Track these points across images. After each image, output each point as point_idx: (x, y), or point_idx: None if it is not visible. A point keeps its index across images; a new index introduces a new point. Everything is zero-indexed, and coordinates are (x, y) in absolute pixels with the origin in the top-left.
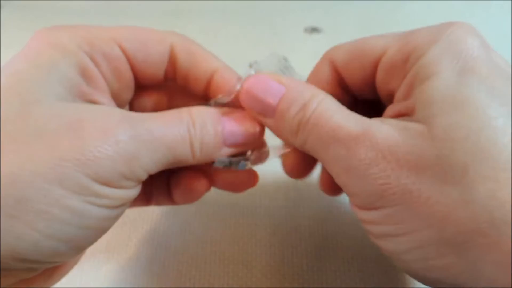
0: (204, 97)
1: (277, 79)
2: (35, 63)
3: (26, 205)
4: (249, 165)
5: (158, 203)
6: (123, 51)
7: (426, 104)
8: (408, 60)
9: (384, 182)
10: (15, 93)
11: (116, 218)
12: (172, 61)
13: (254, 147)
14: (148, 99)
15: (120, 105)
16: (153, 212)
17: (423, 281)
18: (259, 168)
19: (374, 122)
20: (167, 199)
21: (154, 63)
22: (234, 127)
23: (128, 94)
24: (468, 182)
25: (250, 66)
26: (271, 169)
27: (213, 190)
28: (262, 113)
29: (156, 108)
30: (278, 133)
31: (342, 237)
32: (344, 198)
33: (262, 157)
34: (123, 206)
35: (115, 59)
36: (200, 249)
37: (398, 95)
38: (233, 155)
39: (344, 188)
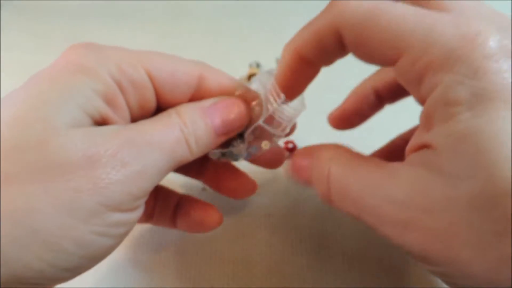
0: None
1: (306, 154)
2: (59, 86)
3: (38, 236)
4: (243, 154)
5: (157, 223)
6: (151, 79)
7: (450, 157)
8: (423, 82)
9: (422, 249)
10: (39, 118)
11: (118, 245)
12: (199, 90)
13: (244, 126)
14: None
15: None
16: None
17: None
18: (259, 168)
19: (392, 183)
20: (168, 222)
21: (180, 94)
22: (221, 116)
23: (146, 118)
24: (505, 245)
25: (252, 65)
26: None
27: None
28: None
29: None
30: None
31: (342, 237)
32: None
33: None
34: (128, 232)
35: (142, 88)
36: (200, 249)
37: (420, 123)
38: (225, 145)
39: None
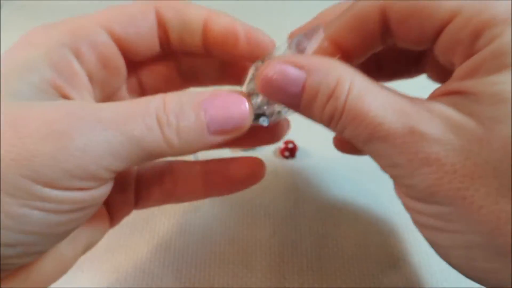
0: (207, 54)
1: (294, 63)
2: (4, 61)
3: None
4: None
5: (186, 199)
6: (112, 34)
7: (492, 103)
8: (480, 37)
9: (435, 184)
10: None
11: (76, 221)
12: (161, 25)
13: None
14: (151, 74)
15: (110, 93)
16: (153, 213)
17: (463, 273)
18: None
19: (422, 115)
20: (198, 193)
21: (145, 34)
22: (218, 112)
23: (118, 80)
24: None
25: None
26: (271, 169)
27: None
28: (287, 103)
29: (167, 82)
30: (308, 118)
31: (342, 237)
32: (344, 197)
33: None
34: (84, 209)
35: (101, 46)
36: (200, 249)
37: (459, 72)
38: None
39: (392, 178)
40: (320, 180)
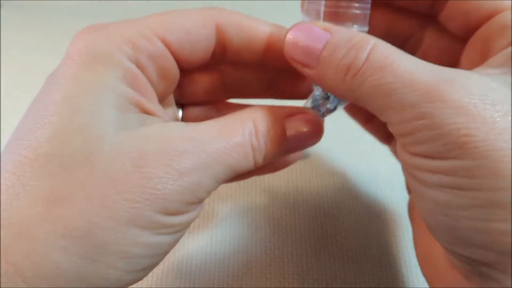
0: (260, 66)
1: (322, 26)
2: (84, 86)
3: (106, 248)
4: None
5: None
6: (167, 45)
7: None
8: None
9: (469, 134)
10: (77, 129)
11: (182, 235)
12: (220, 40)
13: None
14: (194, 83)
15: (163, 98)
16: None
17: (463, 244)
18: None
19: (458, 71)
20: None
21: (201, 49)
22: (296, 131)
23: (172, 87)
24: None
25: None
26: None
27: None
28: (306, 63)
29: (208, 91)
30: (322, 82)
31: (342, 237)
32: (344, 197)
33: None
34: (188, 226)
35: (160, 58)
36: (200, 249)
37: (494, 60)
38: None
39: (406, 136)
40: (320, 180)
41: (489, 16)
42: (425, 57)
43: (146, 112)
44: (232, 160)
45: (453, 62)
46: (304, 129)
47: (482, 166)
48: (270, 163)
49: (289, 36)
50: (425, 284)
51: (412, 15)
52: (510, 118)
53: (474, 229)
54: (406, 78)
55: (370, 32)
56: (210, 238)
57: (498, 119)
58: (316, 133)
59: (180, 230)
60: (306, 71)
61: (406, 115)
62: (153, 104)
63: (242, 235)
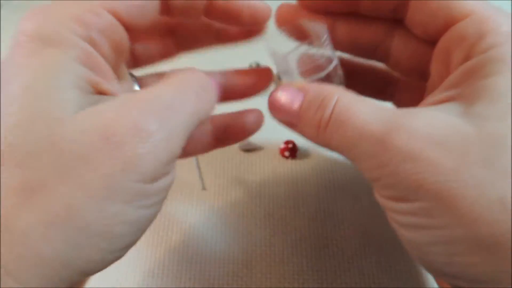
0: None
1: (297, 85)
2: (39, 72)
3: (88, 230)
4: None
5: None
6: (116, 16)
7: (484, 103)
8: (480, 42)
9: (419, 178)
10: (38, 115)
11: (161, 206)
12: (164, 2)
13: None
14: (150, 45)
15: (115, 70)
16: None
17: (438, 274)
18: (259, 166)
19: (408, 116)
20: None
21: (148, 12)
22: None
23: (124, 58)
24: (510, 187)
25: (252, 65)
26: (271, 169)
27: (212, 190)
28: (290, 123)
29: (162, 49)
30: (304, 136)
31: (342, 237)
32: (344, 197)
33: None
34: (167, 192)
35: (112, 31)
36: (200, 249)
37: (450, 79)
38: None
39: (374, 182)
40: (320, 180)
41: (448, 25)
42: (397, 64)
43: (103, 92)
44: (192, 108)
45: (424, 67)
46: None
47: (438, 206)
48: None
49: (271, 101)
50: (425, 284)
51: (378, 22)
52: (455, 155)
53: (443, 263)
54: (363, 130)
55: (337, 46)
56: (210, 238)
57: (444, 159)
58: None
59: (158, 202)
60: (292, 128)
61: (369, 165)
62: (109, 83)
63: (242, 235)
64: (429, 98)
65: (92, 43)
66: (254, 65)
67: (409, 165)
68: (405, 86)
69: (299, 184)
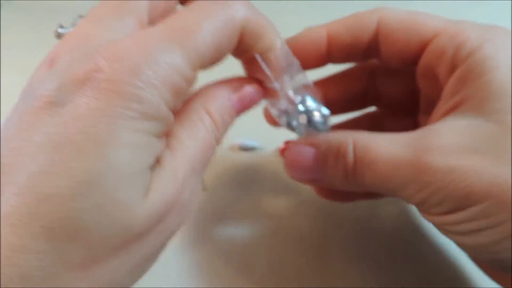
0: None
1: (306, 143)
2: (132, 150)
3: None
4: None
5: None
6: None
7: (492, 99)
8: (460, 51)
9: (466, 186)
10: (116, 201)
11: None
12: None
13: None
14: None
15: None
16: None
17: (504, 269)
18: (259, 166)
19: (429, 134)
20: None
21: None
22: (243, 103)
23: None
24: None
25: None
26: (271, 169)
27: (213, 190)
28: (312, 179)
29: None
30: (334, 187)
31: (342, 237)
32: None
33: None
34: None
35: (185, 91)
36: (200, 249)
37: (449, 88)
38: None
39: (420, 205)
40: None
41: (422, 47)
42: (390, 102)
43: (158, 159)
44: (200, 156)
45: (414, 95)
46: (250, 100)
47: (491, 206)
48: None
49: (287, 166)
50: (425, 284)
51: (355, 72)
52: (489, 154)
53: None
54: (394, 162)
55: (330, 105)
56: (210, 238)
57: (482, 162)
58: (257, 98)
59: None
60: (318, 184)
61: (410, 192)
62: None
63: (242, 235)
64: (437, 112)
65: (174, 110)
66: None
67: (451, 179)
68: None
69: (300, 184)
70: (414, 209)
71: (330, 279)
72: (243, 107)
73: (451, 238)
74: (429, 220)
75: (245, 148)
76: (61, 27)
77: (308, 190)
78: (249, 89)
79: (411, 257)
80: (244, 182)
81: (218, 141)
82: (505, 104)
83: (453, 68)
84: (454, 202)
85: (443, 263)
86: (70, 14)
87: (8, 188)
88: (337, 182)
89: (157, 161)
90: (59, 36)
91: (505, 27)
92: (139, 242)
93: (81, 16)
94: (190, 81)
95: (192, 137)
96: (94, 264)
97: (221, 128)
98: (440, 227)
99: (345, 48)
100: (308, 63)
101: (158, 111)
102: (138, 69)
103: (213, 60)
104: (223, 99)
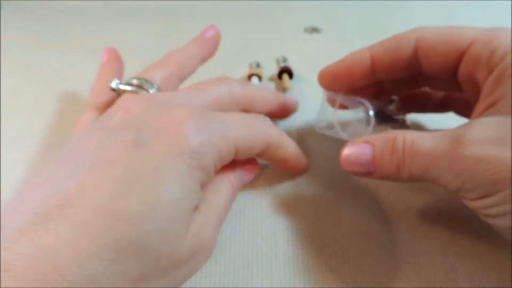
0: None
1: (363, 141)
2: (187, 192)
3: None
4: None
5: None
6: (235, 151)
7: None
8: (494, 55)
9: (495, 171)
10: (171, 231)
11: None
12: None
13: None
14: None
15: None
16: None
17: None
18: (259, 166)
19: (463, 129)
20: None
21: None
22: (247, 174)
23: None
24: None
25: (252, 65)
26: (271, 169)
27: None
28: (367, 172)
29: None
30: (386, 179)
31: (342, 236)
32: (344, 197)
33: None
34: None
35: (226, 161)
36: None
37: (486, 90)
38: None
39: (458, 192)
40: (320, 180)
41: (460, 57)
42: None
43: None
44: (221, 210)
45: (465, 102)
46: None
47: None
48: None
49: (344, 159)
50: (426, 284)
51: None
52: (503, 147)
53: None
54: (434, 153)
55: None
56: None
57: (505, 152)
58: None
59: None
60: (369, 176)
61: (448, 179)
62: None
63: (242, 235)
64: (476, 111)
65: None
66: (254, 65)
67: (481, 167)
68: (456, 98)
69: (300, 183)
70: (413, 210)
71: (330, 279)
72: (248, 177)
73: (487, 222)
74: (468, 206)
75: None
76: (119, 83)
77: (308, 189)
78: (253, 166)
79: (411, 257)
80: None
81: (233, 200)
82: None
83: (489, 71)
84: (485, 188)
85: (443, 263)
86: (69, 14)
87: (85, 204)
88: (390, 174)
89: (196, 208)
90: (115, 89)
91: None
92: (176, 270)
93: (134, 79)
94: (230, 155)
95: (218, 197)
96: (143, 281)
97: (235, 191)
98: (477, 211)
99: (388, 67)
100: (356, 82)
101: (208, 166)
102: (204, 132)
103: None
104: (238, 171)
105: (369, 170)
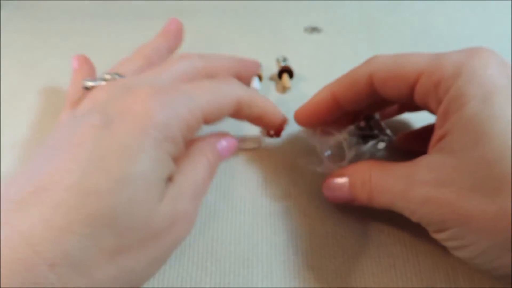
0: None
1: (340, 174)
2: (156, 162)
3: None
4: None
5: None
6: (203, 119)
7: (459, 135)
8: (439, 89)
9: (439, 214)
10: (142, 202)
11: None
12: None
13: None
14: None
15: None
16: None
17: (497, 277)
18: (260, 166)
19: (414, 167)
20: None
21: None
22: (224, 146)
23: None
24: (503, 199)
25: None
26: (271, 170)
27: (213, 190)
28: (347, 199)
29: None
30: (368, 207)
31: (342, 236)
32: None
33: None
34: None
35: (195, 130)
36: (200, 249)
37: (437, 122)
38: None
39: (420, 224)
40: (320, 179)
41: (411, 88)
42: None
43: (170, 178)
44: (208, 180)
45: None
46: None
47: (461, 230)
48: None
49: (325, 191)
50: (425, 284)
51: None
52: (453, 188)
53: (492, 268)
54: (392, 193)
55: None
56: (211, 238)
57: (448, 194)
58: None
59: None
60: (352, 203)
61: (407, 214)
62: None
63: (242, 235)
64: (433, 139)
65: (185, 140)
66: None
67: (428, 208)
68: None
69: (300, 183)
70: None
71: (330, 279)
72: (226, 152)
73: (451, 253)
74: (433, 237)
75: (245, 148)
76: (91, 80)
77: (309, 189)
78: (230, 142)
79: (411, 257)
80: (244, 182)
81: (211, 174)
82: (468, 140)
83: (438, 103)
84: (436, 225)
85: (443, 263)
86: (69, 14)
87: (57, 186)
88: (364, 202)
89: (170, 179)
90: (87, 88)
91: (486, 48)
92: (154, 241)
93: (106, 75)
94: (199, 123)
95: (194, 169)
96: (120, 253)
97: (213, 165)
98: (439, 242)
99: (349, 100)
100: (326, 117)
101: (176, 137)
102: (167, 106)
103: (214, 116)
104: (214, 146)
105: (349, 199)
